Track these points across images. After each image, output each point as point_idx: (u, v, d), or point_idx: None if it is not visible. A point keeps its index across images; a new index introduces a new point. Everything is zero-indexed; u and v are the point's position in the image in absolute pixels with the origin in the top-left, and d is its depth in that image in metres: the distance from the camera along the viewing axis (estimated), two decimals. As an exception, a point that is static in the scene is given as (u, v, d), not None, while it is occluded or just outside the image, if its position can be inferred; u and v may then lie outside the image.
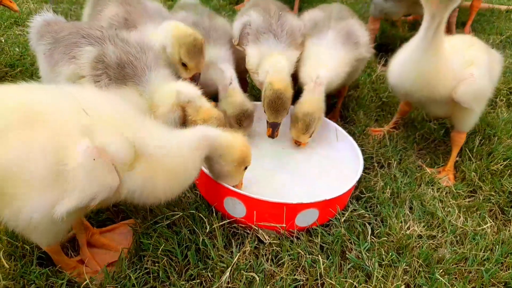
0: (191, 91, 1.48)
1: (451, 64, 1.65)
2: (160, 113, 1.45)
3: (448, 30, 2.87)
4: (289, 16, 1.93)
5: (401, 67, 1.71)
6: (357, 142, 1.84)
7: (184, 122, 1.53)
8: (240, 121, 1.74)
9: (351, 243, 1.45)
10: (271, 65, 1.73)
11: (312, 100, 1.71)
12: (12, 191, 0.92)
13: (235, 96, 1.75)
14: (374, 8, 2.79)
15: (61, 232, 1.11)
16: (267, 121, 1.73)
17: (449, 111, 1.82)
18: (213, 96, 1.78)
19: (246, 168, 1.41)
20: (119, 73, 1.38)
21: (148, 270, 1.29)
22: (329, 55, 1.79)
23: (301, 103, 1.72)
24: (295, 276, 1.31)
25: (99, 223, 1.49)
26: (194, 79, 1.65)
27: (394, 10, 2.75)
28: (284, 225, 1.39)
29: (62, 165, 0.91)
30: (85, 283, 1.21)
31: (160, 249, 1.32)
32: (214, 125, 1.46)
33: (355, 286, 1.29)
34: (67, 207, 0.93)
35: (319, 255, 1.36)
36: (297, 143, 1.81)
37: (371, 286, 1.30)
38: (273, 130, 1.72)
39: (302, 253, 1.37)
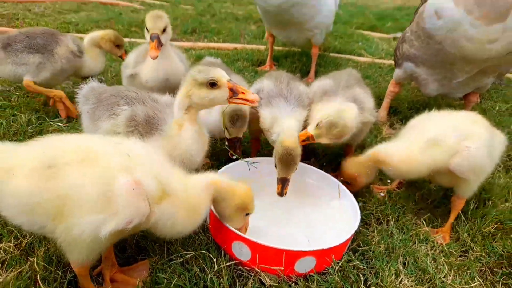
0: None
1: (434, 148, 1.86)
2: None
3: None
4: (297, 83, 2.21)
5: None
6: (359, 199, 2.01)
7: None
8: (233, 120, 1.92)
9: (344, 291, 1.59)
10: (282, 128, 1.95)
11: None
12: (70, 210, 1.19)
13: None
14: (404, 71, 2.97)
15: (96, 252, 1.33)
16: (277, 178, 1.90)
17: (452, 181, 1.96)
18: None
19: (248, 214, 1.61)
20: (147, 127, 1.66)
21: (161, 301, 1.46)
22: None
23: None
24: (290, 317, 1.46)
25: (123, 260, 1.69)
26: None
27: (424, 75, 2.90)
28: (282, 268, 1.55)
29: (109, 193, 1.18)
30: (105, 308, 1.40)
31: (173, 284, 1.50)
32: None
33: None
34: (111, 227, 1.18)
35: (314, 300, 1.51)
36: (304, 140, 1.97)
37: (359, 331, 1.43)
38: (282, 186, 1.87)
39: (299, 296, 1.52)
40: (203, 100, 1.62)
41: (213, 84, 1.61)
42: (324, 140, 1.97)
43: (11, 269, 1.52)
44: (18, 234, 1.65)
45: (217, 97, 1.63)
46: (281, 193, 1.88)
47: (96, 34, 2.79)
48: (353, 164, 2.08)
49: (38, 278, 1.46)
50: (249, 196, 1.58)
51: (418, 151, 1.88)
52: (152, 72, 2.29)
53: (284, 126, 1.97)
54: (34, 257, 1.54)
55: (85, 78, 2.83)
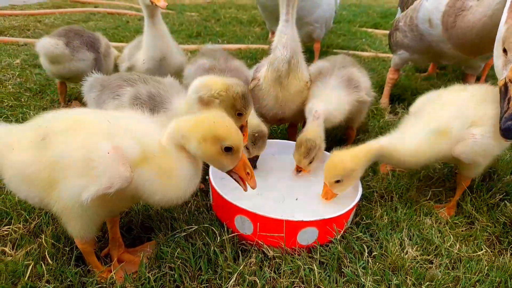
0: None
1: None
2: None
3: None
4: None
5: None
6: (364, 179, 2.02)
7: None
8: (255, 140, 1.91)
9: (348, 261, 1.59)
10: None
11: (312, 129, 1.96)
12: (59, 177, 1.24)
13: (251, 120, 1.92)
14: (399, 58, 3.04)
15: (91, 224, 1.36)
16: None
17: (458, 163, 1.92)
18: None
19: (230, 149, 1.29)
20: (151, 103, 1.70)
21: (165, 273, 1.48)
22: (331, 95, 2.07)
23: (303, 131, 1.98)
24: (294, 281, 1.47)
25: (130, 240, 1.73)
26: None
27: (419, 60, 3.04)
28: (284, 239, 1.56)
29: (90, 159, 1.21)
30: (110, 280, 1.43)
31: (176, 256, 1.52)
32: (238, 91, 1.61)
33: (347, 294, 1.42)
34: (92, 192, 1.19)
35: (316, 268, 1.51)
36: (299, 170, 2.01)
37: (362, 295, 1.43)
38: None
39: (302, 266, 1.53)
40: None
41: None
42: (306, 162, 1.98)
43: (21, 248, 1.56)
44: (28, 217, 1.69)
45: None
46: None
47: None
48: (349, 157, 1.78)
49: (47, 254, 1.50)
50: (218, 121, 1.28)
51: (426, 143, 1.77)
52: (149, 52, 2.38)
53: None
54: (42, 236, 1.58)
55: None
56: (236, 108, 1.65)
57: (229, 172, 1.40)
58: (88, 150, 1.22)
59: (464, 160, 1.77)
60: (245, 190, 1.43)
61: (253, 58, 4.21)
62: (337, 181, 1.79)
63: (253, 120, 1.96)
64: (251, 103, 1.67)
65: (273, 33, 4.12)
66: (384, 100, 3.19)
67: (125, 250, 1.66)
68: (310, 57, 4.21)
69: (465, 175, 1.97)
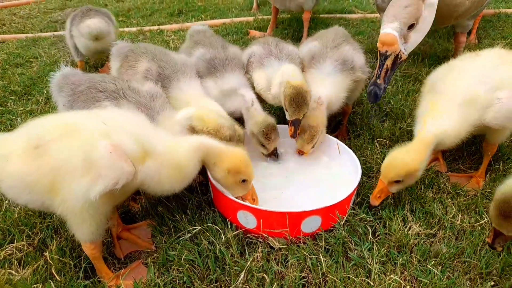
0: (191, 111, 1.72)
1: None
2: None
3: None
4: (285, 44, 2.20)
5: None
6: (361, 154, 2.01)
7: None
8: (267, 135, 1.91)
9: (353, 244, 1.60)
10: (283, 74, 1.92)
11: (316, 116, 1.92)
12: (61, 182, 1.27)
13: (258, 116, 1.94)
14: (468, 25, 2.87)
15: (98, 222, 1.38)
16: (289, 121, 1.90)
17: (485, 131, 1.87)
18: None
19: (244, 181, 1.57)
20: None
21: (174, 277, 1.49)
22: (328, 82, 2.00)
23: (307, 117, 1.92)
24: (302, 274, 1.48)
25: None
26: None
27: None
28: (287, 229, 1.56)
29: (91, 160, 1.25)
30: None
31: (183, 259, 1.53)
32: (226, 134, 1.68)
33: (355, 280, 1.44)
34: (98, 189, 1.24)
35: (323, 256, 1.53)
36: (300, 153, 2.03)
37: (370, 280, 1.45)
38: (295, 128, 1.88)
39: (308, 255, 1.54)
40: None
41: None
42: (308, 147, 1.97)
43: (27, 266, 1.56)
44: (30, 233, 1.68)
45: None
46: (294, 135, 1.90)
47: None
48: (411, 158, 1.67)
49: (53, 271, 1.50)
50: (241, 159, 1.53)
51: (460, 122, 1.73)
52: None
53: (285, 69, 1.94)
54: (47, 252, 1.58)
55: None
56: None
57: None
58: (89, 152, 1.26)
59: (495, 126, 1.74)
60: None
61: (238, 33, 4.10)
62: (397, 181, 1.70)
63: (258, 116, 1.94)
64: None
65: (257, 4, 3.97)
66: None
67: (123, 228, 1.73)
68: (297, 26, 4.12)
69: (492, 143, 1.93)
